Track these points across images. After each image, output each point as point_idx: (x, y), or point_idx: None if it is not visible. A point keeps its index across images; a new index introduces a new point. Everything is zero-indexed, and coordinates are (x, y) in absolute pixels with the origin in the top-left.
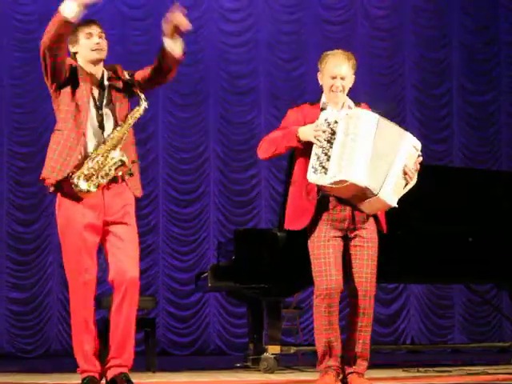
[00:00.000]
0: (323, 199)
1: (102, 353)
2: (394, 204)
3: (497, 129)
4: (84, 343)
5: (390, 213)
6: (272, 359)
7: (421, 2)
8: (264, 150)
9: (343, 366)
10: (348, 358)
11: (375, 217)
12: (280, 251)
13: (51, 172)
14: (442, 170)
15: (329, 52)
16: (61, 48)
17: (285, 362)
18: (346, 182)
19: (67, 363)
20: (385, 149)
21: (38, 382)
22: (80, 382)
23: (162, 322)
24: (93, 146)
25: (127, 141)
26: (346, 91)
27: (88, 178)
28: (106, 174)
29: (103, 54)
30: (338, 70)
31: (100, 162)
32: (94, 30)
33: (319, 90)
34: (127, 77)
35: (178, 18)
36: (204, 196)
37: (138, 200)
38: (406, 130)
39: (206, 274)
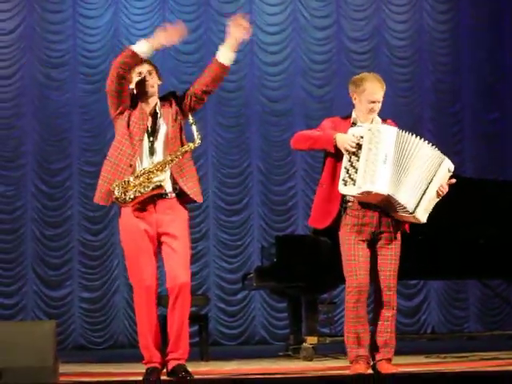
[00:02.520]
0: (349, 204)
1: (163, 346)
2: (424, 220)
3: (503, 143)
4: (148, 338)
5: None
6: (310, 348)
7: (436, 33)
8: (298, 142)
9: (372, 354)
10: (376, 346)
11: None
12: (315, 254)
13: (100, 198)
14: (458, 181)
15: (364, 76)
16: (125, 77)
17: (322, 351)
18: (371, 192)
19: (132, 355)
20: (406, 158)
21: (109, 370)
22: (144, 371)
23: (213, 317)
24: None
25: (177, 165)
26: (377, 111)
27: (125, 190)
28: (140, 192)
29: (152, 90)
30: (376, 96)
31: (141, 181)
32: (144, 68)
33: (346, 112)
34: (174, 104)
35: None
36: (248, 206)
37: (191, 210)
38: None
39: (251, 275)
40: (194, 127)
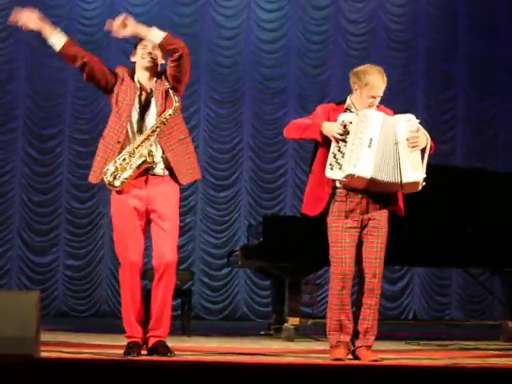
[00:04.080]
0: (338, 191)
1: (145, 321)
2: (421, 176)
3: (495, 132)
4: (130, 313)
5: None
6: (292, 329)
7: (434, 18)
8: (290, 131)
9: (353, 340)
10: (357, 333)
11: (392, 202)
12: (302, 236)
13: (93, 176)
14: (446, 170)
15: (367, 69)
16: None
17: (303, 332)
18: (354, 175)
19: (113, 324)
20: (389, 142)
21: (90, 342)
22: (126, 344)
23: (197, 291)
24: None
25: (169, 140)
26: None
27: (114, 175)
28: (127, 172)
29: (153, 63)
30: (378, 92)
31: (125, 160)
32: (148, 42)
33: (341, 93)
34: (165, 81)
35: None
36: (237, 182)
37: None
38: None
39: (237, 253)
40: (170, 91)
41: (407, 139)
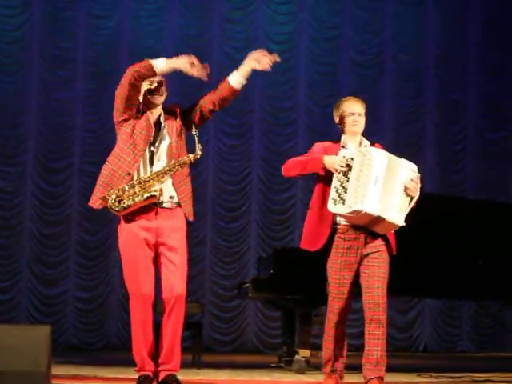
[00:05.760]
0: (338, 229)
1: (156, 354)
2: (402, 223)
3: (507, 163)
4: (142, 347)
5: (412, 238)
6: (303, 361)
7: (441, 52)
8: (289, 169)
9: (365, 373)
10: (369, 365)
11: (386, 240)
12: (313, 268)
13: (94, 201)
14: (458, 201)
15: (342, 98)
16: (136, 86)
17: (314, 364)
18: (361, 212)
19: (124, 357)
20: (392, 180)
21: (101, 375)
22: (137, 378)
23: (207, 322)
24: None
25: (179, 176)
26: (362, 129)
27: (119, 199)
28: (134, 201)
29: (160, 100)
30: (355, 108)
31: (136, 190)
32: (156, 78)
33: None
34: (179, 117)
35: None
36: (246, 213)
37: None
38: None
39: (247, 285)
40: (196, 139)
41: (406, 187)
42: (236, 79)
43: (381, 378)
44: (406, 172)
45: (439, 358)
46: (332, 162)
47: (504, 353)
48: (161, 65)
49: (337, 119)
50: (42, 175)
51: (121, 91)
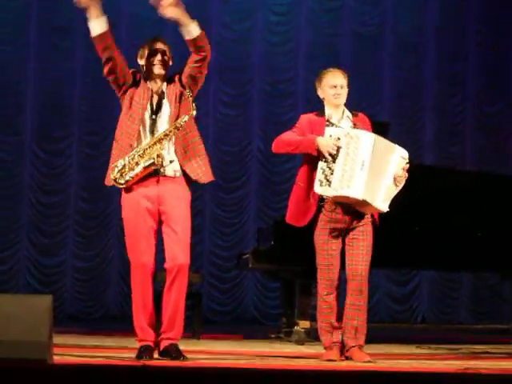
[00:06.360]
0: (324, 202)
1: (157, 324)
2: (386, 209)
3: (505, 135)
4: (141, 317)
5: (411, 210)
6: (302, 332)
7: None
8: (279, 147)
9: (344, 341)
10: (348, 333)
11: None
12: (313, 239)
13: (108, 181)
14: (456, 173)
15: (324, 70)
16: (111, 58)
17: (314, 335)
18: (348, 196)
19: (122, 327)
20: (379, 164)
21: (102, 343)
22: (138, 348)
23: (205, 293)
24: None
25: (182, 142)
26: (344, 100)
27: (122, 172)
28: (133, 170)
29: (163, 70)
30: (336, 80)
31: (134, 159)
32: (158, 47)
33: (349, 96)
34: (178, 84)
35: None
36: (246, 184)
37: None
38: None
39: (246, 256)
40: (190, 99)
41: (396, 175)
42: (184, 33)
43: (361, 347)
44: (397, 159)
45: (437, 329)
46: (325, 145)
47: (501, 325)
48: (93, 26)
49: (319, 91)
50: (41, 144)
51: (104, 71)
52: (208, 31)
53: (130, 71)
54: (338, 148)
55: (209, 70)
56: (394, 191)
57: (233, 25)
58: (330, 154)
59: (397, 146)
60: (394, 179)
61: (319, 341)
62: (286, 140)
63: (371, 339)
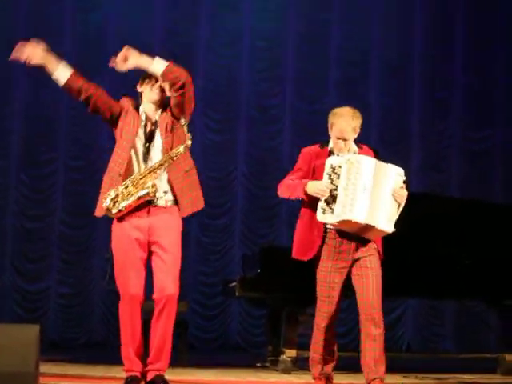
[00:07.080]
0: (329, 234)
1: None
2: (391, 230)
3: (492, 162)
4: (130, 347)
5: (397, 238)
6: (289, 361)
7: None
8: (281, 192)
9: (365, 375)
10: (367, 367)
11: (376, 245)
12: (301, 267)
13: (98, 211)
14: (444, 200)
15: (337, 111)
16: (87, 99)
17: (301, 364)
18: (350, 221)
19: (107, 355)
20: (380, 186)
21: (89, 373)
22: (125, 379)
23: (190, 320)
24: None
25: (176, 172)
26: (350, 143)
27: (114, 201)
28: (127, 201)
29: (161, 96)
30: (342, 134)
31: (129, 190)
32: (154, 79)
33: None
34: (170, 113)
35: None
36: (231, 210)
37: None
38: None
39: (233, 284)
40: (185, 129)
41: (394, 193)
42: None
43: (382, 380)
44: (394, 177)
45: (423, 358)
46: (314, 188)
47: (489, 354)
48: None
49: (329, 131)
50: (26, 169)
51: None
52: (194, 56)
53: (116, 101)
54: (338, 174)
55: (195, 94)
56: (397, 210)
57: (219, 50)
58: (331, 181)
59: (391, 165)
60: (394, 197)
61: (306, 370)
62: (286, 185)
63: (357, 369)
